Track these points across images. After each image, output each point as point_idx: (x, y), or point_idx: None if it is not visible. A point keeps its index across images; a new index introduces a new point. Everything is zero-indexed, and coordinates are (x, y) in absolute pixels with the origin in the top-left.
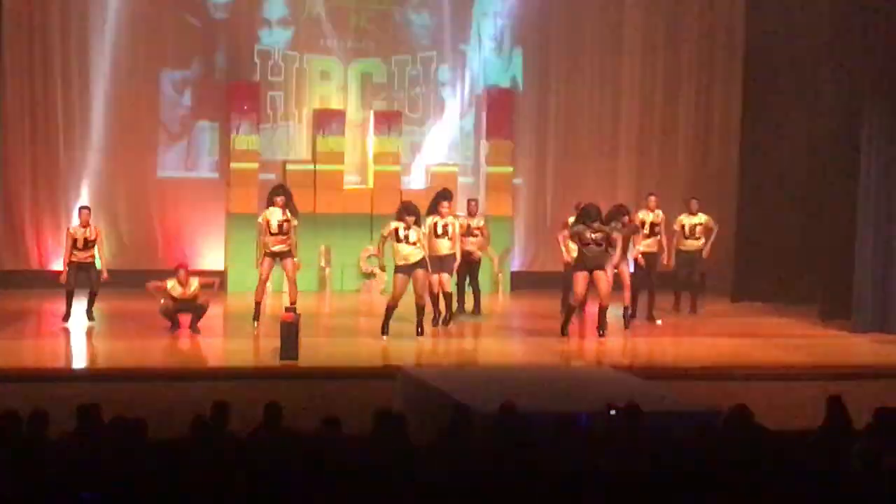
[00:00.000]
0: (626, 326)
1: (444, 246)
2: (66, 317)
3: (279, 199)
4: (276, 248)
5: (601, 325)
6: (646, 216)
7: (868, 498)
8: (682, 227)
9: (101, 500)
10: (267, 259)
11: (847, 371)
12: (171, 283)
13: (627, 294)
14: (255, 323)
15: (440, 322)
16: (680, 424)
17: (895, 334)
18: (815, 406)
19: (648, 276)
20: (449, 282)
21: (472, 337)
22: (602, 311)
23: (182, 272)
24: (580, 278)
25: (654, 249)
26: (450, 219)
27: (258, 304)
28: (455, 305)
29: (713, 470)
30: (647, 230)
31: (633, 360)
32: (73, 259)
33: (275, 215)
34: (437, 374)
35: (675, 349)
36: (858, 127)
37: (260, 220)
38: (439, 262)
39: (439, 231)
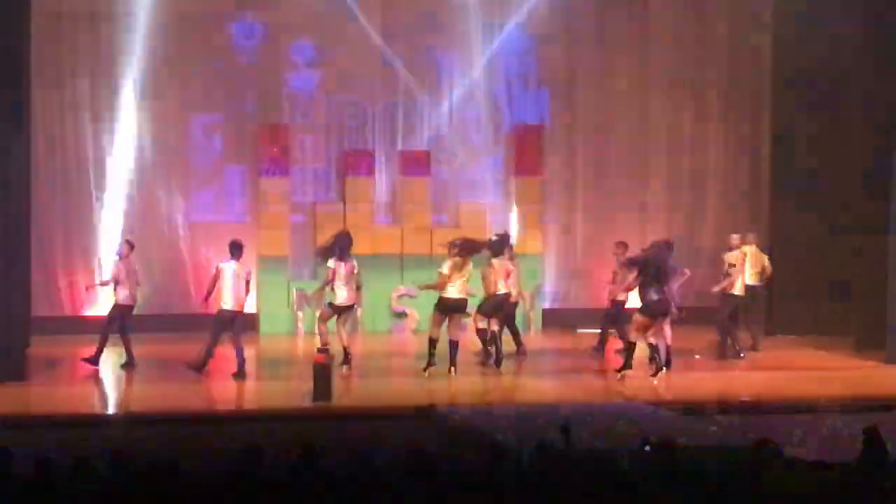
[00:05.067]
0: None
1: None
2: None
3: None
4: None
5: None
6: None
7: None
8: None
9: None
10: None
11: (883, 402)
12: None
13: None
14: (346, 367)
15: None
16: (715, 459)
17: None
18: (852, 438)
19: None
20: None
21: (506, 375)
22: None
23: None
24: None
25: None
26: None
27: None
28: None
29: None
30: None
31: (668, 395)
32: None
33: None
34: (472, 413)
35: (710, 384)
36: (889, 158)
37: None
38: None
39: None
